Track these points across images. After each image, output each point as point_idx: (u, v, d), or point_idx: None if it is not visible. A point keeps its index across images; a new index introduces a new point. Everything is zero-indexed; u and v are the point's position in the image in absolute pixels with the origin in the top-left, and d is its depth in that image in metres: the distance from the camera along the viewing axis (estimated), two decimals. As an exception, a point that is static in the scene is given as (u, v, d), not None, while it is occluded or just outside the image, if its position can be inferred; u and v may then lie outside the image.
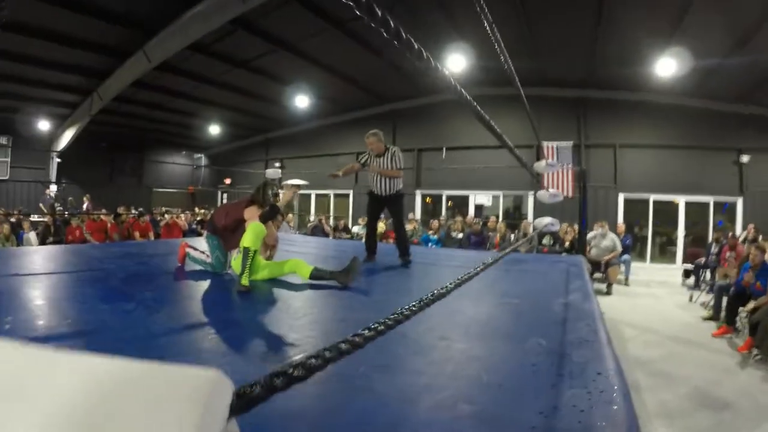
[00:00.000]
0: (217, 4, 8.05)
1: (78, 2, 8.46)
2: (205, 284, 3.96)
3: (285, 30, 10.14)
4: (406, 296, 3.57)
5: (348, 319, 2.95)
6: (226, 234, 4.24)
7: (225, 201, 21.15)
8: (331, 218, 15.86)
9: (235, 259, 4.00)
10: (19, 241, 9.09)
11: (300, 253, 5.51)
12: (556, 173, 11.77)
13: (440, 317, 2.98)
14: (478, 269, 1.79)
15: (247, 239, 3.67)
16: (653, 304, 8.22)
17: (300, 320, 2.89)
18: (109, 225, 10.58)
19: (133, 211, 14.24)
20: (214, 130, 18.89)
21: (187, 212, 14.48)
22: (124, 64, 10.97)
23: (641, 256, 12.50)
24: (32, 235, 9.10)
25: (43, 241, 9.28)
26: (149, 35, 9.66)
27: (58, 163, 17.70)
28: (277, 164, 18.91)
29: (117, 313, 2.84)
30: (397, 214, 5.50)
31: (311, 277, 3.89)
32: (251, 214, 4.07)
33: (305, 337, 2.54)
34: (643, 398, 4.11)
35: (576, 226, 9.96)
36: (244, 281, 3.59)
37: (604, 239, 9.27)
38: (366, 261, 5.24)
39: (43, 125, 16.42)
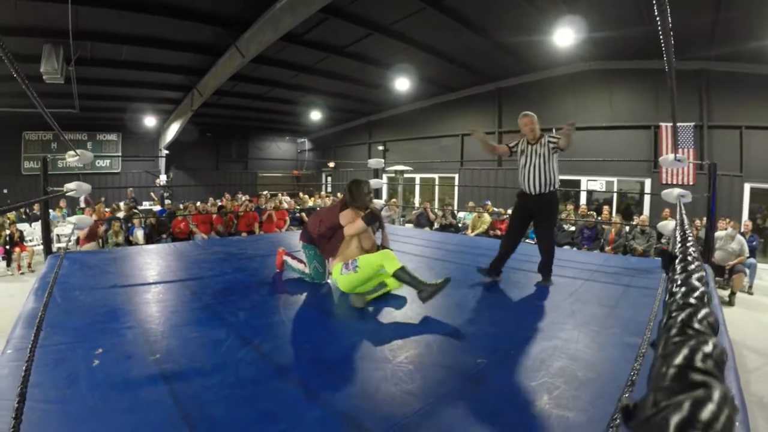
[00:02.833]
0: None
1: (168, 7, 8.77)
2: (303, 302, 3.75)
3: (378, 13, 9.94)
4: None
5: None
6: (323, 242, 4.02)
7: (329, 183, 21.68)
8: (436, 203, 15.57)
9: (341, 274, 3.70)
10: (130, 234, 9.58)
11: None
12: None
13: (546, 359, 2.58)
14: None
15: (391, 266, 3.41)
16: (781, 322, 7.03)
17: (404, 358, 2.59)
18: (213, 217, 10.90)
19: (240, 196, 14.72)
20: (315, 115, 19.20)
21: (291, 200, 14.67)
22: (218, 61, 11.28)
23: (765, 255, 10.85)
24: (140, 234, 9.53)
25: (150, 237, 9.72)
26: (240, 31, 9.80)
27: (167, 155, 18.74)
28: (381, 147, 19.02)
29: (207, 345, 2.68)
30: (550, 218, 4.34)
31: (394, 275, 3.46)
32: (348, 219, 3.82)
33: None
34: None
35: (698, 222, 8.93)
36: (429, 283, 3.32)
37: (732, 241, 8.14)
38: (486, 274, 4.40)
39: (150, 121, 17.49)
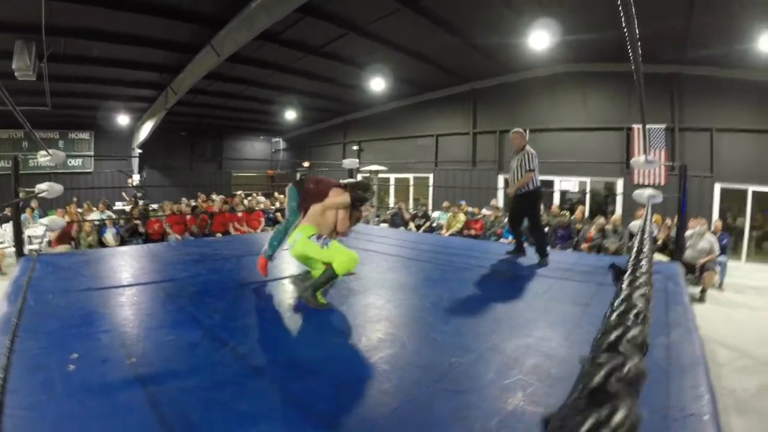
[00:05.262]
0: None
1: (144, 4, 8.66)
2: (278, 303, 3.77)
3: (354, 13, 9.95)
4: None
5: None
6: (309, 199, 4.16)
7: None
8: (411, 203, 15.60)
9: (308, 239, 3.58)
10: (101, 236, 9.40)
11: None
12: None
13: (519, 357, 2.66)
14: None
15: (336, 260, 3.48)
16: (750, 317, 7.10)
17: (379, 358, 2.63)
18: (187, 218, 10.76)
19: (213, 197, 14.58)
20: (291, 115, 19.08)
21: (266, 200, 14.53)
22: (194, 59, 11.16)
23: (735, 253, 11.10)
24: (110, 236, 9.38)
25: (123, 238, 9.59)
26: (215, 29, 9.74)
27: (140, 154, 18.45)
28: (355, 147, 18.99)
29: (182, 348, 2.69)
30: (530, 209, 5.64)
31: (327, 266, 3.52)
32: (336, 194, 3.98)
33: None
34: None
35: (669, 221, 9.13)
36: (321, 300, 3.54)
37: (701, 240, 8.36)
38: (511, 252, 5.91)
39: (123, 120, 17.20)
